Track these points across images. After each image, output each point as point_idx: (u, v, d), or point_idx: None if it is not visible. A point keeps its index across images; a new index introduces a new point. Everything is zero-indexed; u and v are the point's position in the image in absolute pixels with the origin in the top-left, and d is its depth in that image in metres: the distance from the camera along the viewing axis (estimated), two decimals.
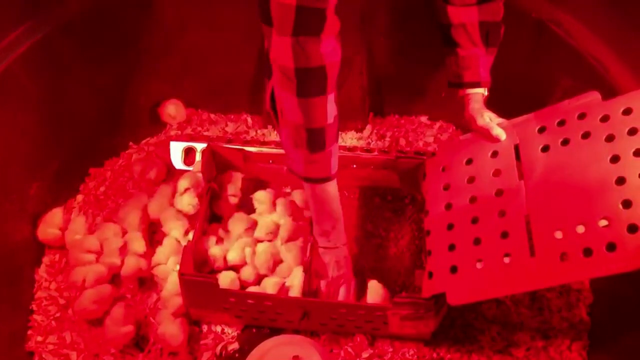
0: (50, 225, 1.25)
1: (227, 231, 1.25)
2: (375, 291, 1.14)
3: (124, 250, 1.22)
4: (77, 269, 1.20)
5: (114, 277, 1.22)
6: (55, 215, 1.26)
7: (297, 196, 1.29)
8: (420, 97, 1.53)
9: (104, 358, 1.14)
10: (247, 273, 1.19)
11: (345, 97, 1.47)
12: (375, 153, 1.31)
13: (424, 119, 1.54)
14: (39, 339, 1.16)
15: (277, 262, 1.21)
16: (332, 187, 1.01)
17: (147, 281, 1.24)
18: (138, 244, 1.23)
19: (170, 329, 1.11)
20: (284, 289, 1.16)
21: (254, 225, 1.25)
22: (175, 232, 1.25)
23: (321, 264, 1.13)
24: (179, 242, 1.24)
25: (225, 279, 1.17)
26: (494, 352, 1.15)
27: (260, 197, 1.27)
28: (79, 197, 1.37)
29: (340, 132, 1.49)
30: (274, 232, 1.24)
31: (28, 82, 1.21)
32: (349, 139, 1.49)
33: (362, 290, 1.17)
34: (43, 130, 1.27)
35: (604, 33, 1.18)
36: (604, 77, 1.17)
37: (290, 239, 1.23)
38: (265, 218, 1.25)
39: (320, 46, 0.84)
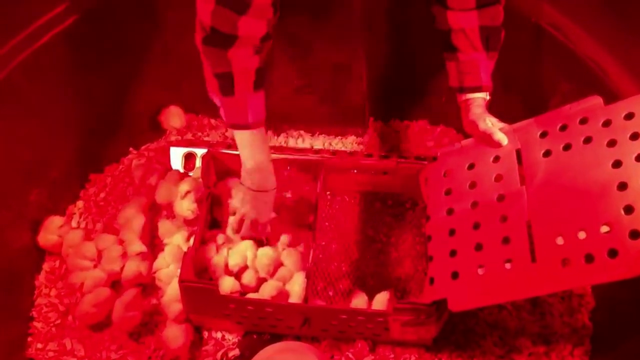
0: (50, 231, 1.25)
1: (227, 237, 1.25)
2: (380, 303, 1.14)
3: (124, 257, 1.22)
4: (75, 273, 1.20)
5: (114, 283, 1.22)
6: (55, 221, 1.26)
7: (296, 202, 1.28)
8: (420, 102, 1.53)
9: None
10: (248, 277, 1.18)
11: (346, 102, 1.47)
12: (376, 158, 1.31)
13: (424, 123, 1.54)
14: (39, 345, 1.16)
15: (278, 266, 1.21)
16: (254, 136, 1.07)
17: (147, 287, 1.23)
18: (137, 245, 1.23)
19: (172, 332, 1.11)
20: (283, 292, 1.16)
21: None
22: (177, 237, 1.25)
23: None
24: (180, 247, 1.24)
25: (226, 284, 1.17)
26: (496, 357, 1.15)
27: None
28: (79, 204, 1.37)
29: (340, 137, 1.51)
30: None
31: (28, 89, 1.21)
32: (350, 144, 1.49)
33: (366, 294, 1.17)
34: (43, 136, 1.27)
35: (603, 37, 1.18)
36: (603, 80, 1.17)
37: (291, 244, 1.22)
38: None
39: (239, 21, 0.93)
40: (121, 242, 1.25)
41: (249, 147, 1.08)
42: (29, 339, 1.18)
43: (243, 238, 1.21)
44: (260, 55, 1.01)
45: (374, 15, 1.39)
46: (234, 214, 1.25)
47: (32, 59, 1.19)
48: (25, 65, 1.18)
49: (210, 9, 0.93)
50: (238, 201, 1.20)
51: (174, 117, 1.50)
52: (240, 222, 1.20)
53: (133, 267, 1.20)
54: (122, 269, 1.21)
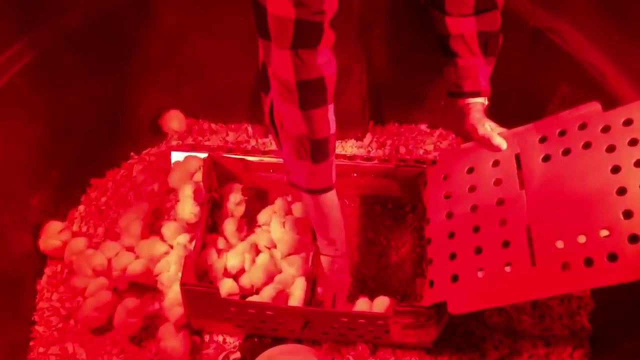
0: (52, 236, 1.25)
1: (227, 241, 1.25)
2: (380, 308, 1.14)
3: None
4: (78, 277, 1.21)
5: (115, 287, 1.23)
6: (56, 226, 1.26)
7: (297, 208, 1.29)
8: (419, 105, 1.53)
9: None
10: (245, 280, 1.19)
11: (345, 105, 1.47)
12: (376, 161, 1.31)
13: (423, 126, 1.55)
14: (41, 350, 1.17)
15: (275, 273, 1.21)
16: (334, 196, 1.02)
17: (148, 291, 1.24)
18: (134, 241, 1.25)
19: (171, 343, 1.11)
20: (283, 294, 1.16)
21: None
22: (179, 240, 1.25)
23: (324, 272, 1.14)
24: (181, 250, 1.24)
25: (225, 286, 1.17)
26: (496, 359, 1.15)
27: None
28: (81, 208, 1.38)
29: (339, 141, 1.51)
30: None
31: (29, 94, 1.21)
32: (349, 147, 1.50)
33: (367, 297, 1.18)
34: (44, 141, 1.27)
35: (602, 41, 1.19)
36: (602, 84, 1.17)
37: (290, 254, 1.23)
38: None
39: (318, 58, 0.85)
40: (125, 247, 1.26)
41: (332, 209, 1.01)
42: (31, 343, 1.18)
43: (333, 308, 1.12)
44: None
45: (373, 18, 1.40)
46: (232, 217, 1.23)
47: (34, 64, 1.20)
48: (27, 70, 1.19)
49: (288, 58, 0.83)
50: (333, 275, 1.11)
51: (174, 121, 1.51)
52: (333, 292, 1.13)
53: (139, 265, 1.21)
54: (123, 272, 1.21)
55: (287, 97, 0.88)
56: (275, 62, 0.86)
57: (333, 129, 0.93)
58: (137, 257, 1.23)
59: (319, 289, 1.15)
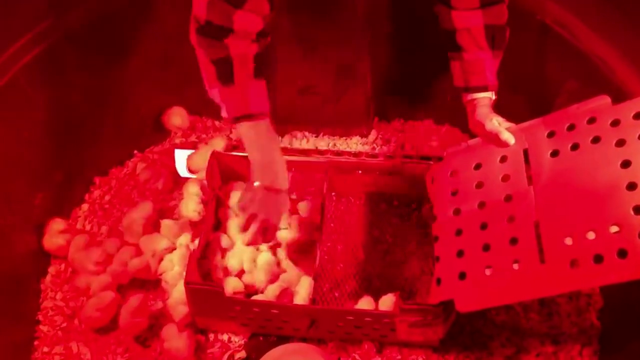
0: (55, 235, 1.25)
1: (231, 239, 1.25)
2: (386, 306, 1.13)
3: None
4: (81, 276, 1.21)
5: (119, 287, 1.22)
6: (60, 225, 1.26)
7: (303, 207, 1.28)
8: (425, 101, 1.52)
9: None
10: (248, 278, 1.19)
11: (350, 102, 1.47)
12: (381, 158, 1.30)
13: (429, 123, 1.54)
14: (46, 349, 1.16)
15: (279, 273, 1.20)
16: (256, 127, 1.02)
17: (152, 289, 1.23)
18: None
19: (175, 343, 1.11)
20: (287, 292, 1.15)
21: None
22: (183, 239, 1.25)
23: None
24: (185, 249, 1.23)
25: (229, 284, 1.16)
26: (504, 358, 1.15)
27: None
28: (84, 207, 1.37)
29: (345, 138, 1.50)
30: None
31: (32, 93, 1.21)
32: (354, 144, 1.49)
33: (373, 295, 1.16)
34: (47, 140, 1.27)
35: (609, 34, 1.17)
36: (609, 78, 1.16)
37: (295, 253, 1.22)
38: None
39: (234, 14, 0.93)
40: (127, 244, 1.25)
41: (255, 140, 1.03)
42: (35, 342, 1.18)
43: (249, 244, 1.09)
44: (258, 44, 0.99)
45: (377, 15, 1.39)
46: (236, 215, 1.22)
47: (36, 63, 1.19)
48: (29, 69, 1.18)
49: (205, 2, 0.92)
50: (246, 200, 1.06)
51: (176, 117, 1.50)
52: (247, 224, 1.07)
53: (140, 262, 1.21)
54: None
55: (194, 26, 0.97)
56: (196, 2, 0.94)
57: (237, 51, 0.97)
58: (138, 253, 1.23)
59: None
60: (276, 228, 1.09)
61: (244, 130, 1.03)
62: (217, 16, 0.93)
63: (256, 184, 1.05)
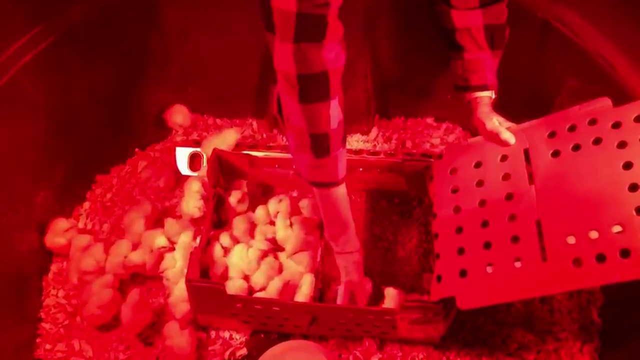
0: (57, 234, 1.25)
1: (232, 236, 1.25)
2: (391, 298, 1.13)
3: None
4: (82, 276, 1.21)
5: (121, 284, 1.23)
6: (62, 223, 1.26)
7: (306, 204, 1.28)
8: (425, 99, 1.52)
9: None
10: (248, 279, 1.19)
11: (350, 100, 1.46)
12: (382, 156, 1.31)
13: (430, 120, 1.53)
14: (48, 347, 1.17)
15: (278, 273, 1.20)
16: (339, 193, 1.02)
17: (154, 286, 1.24)
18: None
19: (177, 341, 1.11)
20: (289, 287, 1.15)
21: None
22: (184, 237, 1.25)
23: (336, 267, 1.14)
24: (187, 247, 1.24)
25: (234, 285, 1.17)
26: (505, 355, 1.15)
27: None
28: (86, 205, 1.37)
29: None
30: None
31: (33, 91, 1.20)
32: (355, 142, 1.49)
33: (375, 294, 1.17)
34: (48, 138, 1.27)
35: (611, 32, 1.17)
36: (611, 77, 1.16)
37: (297, 252, 1.22)
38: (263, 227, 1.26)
39: (322, 52, 0.84)
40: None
41: (336, 204, 1.01)
42: (38, 340, 1.18)
43: (345, 304, 1.09)
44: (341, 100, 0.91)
45: (378, 12, 1.38)
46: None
47: (37, 61, 1.19)
48: (30, 67, 1.18)
49: (290, 52, 0.83)
50: (341, 271, 1.10)
51: (178, 115, 1.50)
52: (348, 291, 1.10)
53: (137, 256, 1.21)
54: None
55: (289, 91, 0.87)
56: (278, 55, 0.85)
57: (335, 124, 0.91)
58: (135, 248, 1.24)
59: (338, 288, 1.13)
60: (364, 286, 1.12)
61: (325, 194, 1.01)
62: (308, 64, 0.83)
63: (342, 249, 1.08)
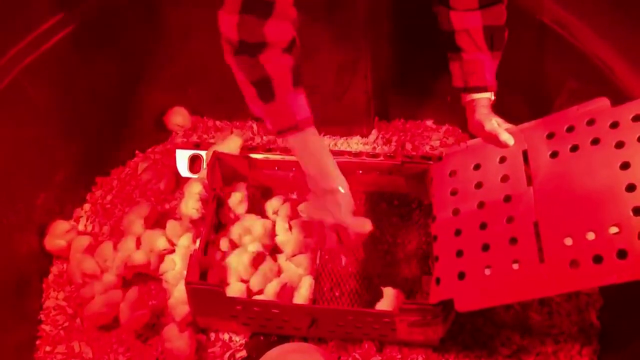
0: (57, 236, 1.26)
1: (231, 241, 1.25)
2: (390, 298, 1.13)
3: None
4: (85, 284, 1.21)
5: (123, 283, 1.23)
6: (62, 226, 1.26)
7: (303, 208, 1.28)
8: (425, 101, 1.52)
9: None
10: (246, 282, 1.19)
11: (350, 101, 1.47)
12: (381, 158, 1.31)
13: (429, 122, 1.54)
14: (48, 348, 1.17)
15: (276, 276, 1.20)
16: (307, 137, 1.02)
17: (155, 288, 1.24)
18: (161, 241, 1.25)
19: (176, 344, 1.11)
20: (287, 289, 1.16)
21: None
22: (184, 239, 1.25)
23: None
24: (186, 249, 1.24)
25: (233, 287, 1.17)
26: (504, 357, 1.15)
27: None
28: (86, 207, 1.38)
29: (345, 137, 1.50)
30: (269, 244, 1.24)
31: (33, 93, 1.21)
32: (354, 144, 1.49)
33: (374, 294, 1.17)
34: (49, 140, 1.27)
35: (610, 34, 1.17)
36: (609, 78, 1.16)
37: (296, 254, 1.22)
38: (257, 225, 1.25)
39: (265, 27, 0.92)
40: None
41: (304, 149, 1.02)
42: (38, 342, 1.18)
43: (331, 247, 1.07)
44: (292, 54, 0.98)
45: (378, 14, 1.39)
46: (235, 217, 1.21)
47: (38, 63, 1.19)
48: (31, 69, 1.19)
49: (235, 22, 0.91)
50: (311, 210, 1.09)
51: (178, 117, 1.50)
52: (318, 230, 1.09)
53: (141, 255, 1.21)
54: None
55: (228, 48, 0.96)
56: (223, 23, 0.94)
57: (274, 69, 0.96)
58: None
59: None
60: (348, 228, 1.05)
61: (292, 142, 1.02)
62: (249, 33, 0.92)
63: (314, 189, 1.05)
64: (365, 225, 1.05)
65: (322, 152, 1.04)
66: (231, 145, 1.34)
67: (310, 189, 1.06)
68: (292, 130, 1.00)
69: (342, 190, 1.03)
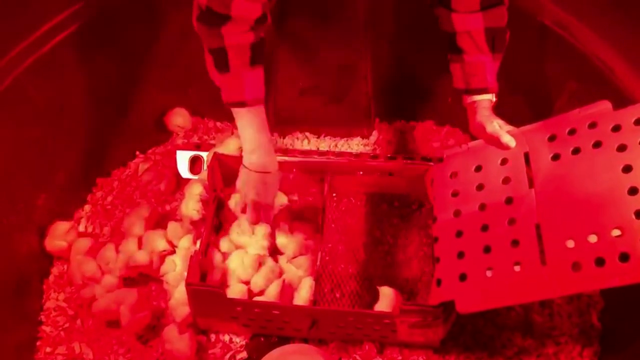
0: (57, 237, 1.26)
1: (231, 240, 1.25)
2: (387, 297, 1.13)
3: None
4: (86, 286, 1.21)
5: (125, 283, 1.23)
6: (62, 227, 1.26)
7: (305, 208, 1.28)
8: (426, 102, 1.52)
9: None
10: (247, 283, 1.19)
11: (351, 103, 1.47)
12: (382, 159, 1.31)
13: (430, 124, 1.54)
14: (48, 349, 1.17)
15: (276, 277, 1.20)
16: (252, 115, 1.07)
17: (156, 289, 1.24)
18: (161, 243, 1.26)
19: (177, 345, 1.11)
20: (287, 289, 1.16)
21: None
22: (185, 240, 1.25)
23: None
24: (187, 250, 1.24)
25: (233, 288, 1.17)
26: (505, 358, 1.15)
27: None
28: (87, 208, 1.38)
29: (346, 139, 1.50)
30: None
31: (34, 94, 1.21)
32: (355, 145, 1.49)
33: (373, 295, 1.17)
34: (49, 141, 1.27)
35: (610, 35, 1.17)
36: (610, 79, 1.16)
37: (296, 256, 1.22)
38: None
39: (232, 2, 0.94)
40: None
41: (247, 126, 1.08)
42: (38, 343, 1.18)
43: (251, 223, 1.19)
44: (256, 32, 1.01)
45: (378, 16, 1.39)
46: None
47: (39, 64, 1.20)
48: (32, 70, 1.19)
49: None
50: (240, 182, 1.17)
51: (178, 117, 1.51)
52: (243, 203, 1.18)
53: (144, 255, 1.21)
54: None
55: (195, 10, 1.00)
56: None
57: (232, 42, 1.00)
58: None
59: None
60: (269, 207, 1.19)
61: (237, 116, 1.08)
62: (217, 3, 0.95)
63: (246, 167, 1.13)
64: (281, 200, 1.20)
65: (261, 132, 1.09)
66: (230, 146, 1.34)
67: (243, 164, 1.13)
68: (239, 105, 1.05)
69: (272, 171, 1.13)
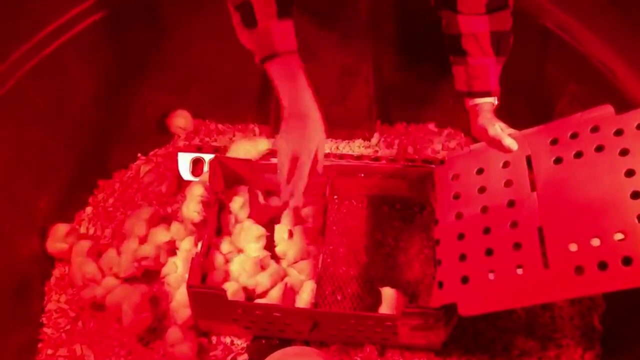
0: (58, 239, 1.25)
1: (232, 243, 1.25)
2: (389, 298, 1.13)
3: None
4: (86, 287, 1.21)
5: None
6: (63, 229, 1.26)
7: (306, 211, 1.28)
8: (427, 104, 1.52)
9: None
10: (251, 283, 1.19)
11: (352, 105, 1.47)
12: (383, 161, 1.31)
13: (431, 126, 1.54)
14: (49, 352, 1.17)
15: (279, 280, 1.20)
16: (282, 67, 1.00)
17: (157, 290, 1.24)
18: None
19: (179, 348, 1.11)
20: (289, 292, 1.16)
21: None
22: (186, 242, 1.25)
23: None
24: (188, 252, 1.24)
25: (234, 291, 1.17)
26: None
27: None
28: (88, 210, 1.38)
29: (347, 141, 1.50)
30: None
31: (36, 96, 1.21)
32: (357, 147, 1.49)
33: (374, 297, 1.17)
34: (51, 143, 1.27)
35: (612, 38, 1.17)
36: (611, 82, 1.16)
37: (297, 260, 1.22)
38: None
39: None
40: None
41: (283, 77, 1.00)
42: (39, 345, 1.18)
43: (280, 179, 1.03)
44: None
45: (380, 17, 1.39)
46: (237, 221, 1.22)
47: (40, 66, 1.19)
48: (34, 72, 1.18)
49: None
50: (279, 138, 1.03)
51: (180, 119, 1.50)
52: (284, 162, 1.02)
53: (150, 248, 1.21)
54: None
55: None
56: None
57: None
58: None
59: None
60: (307, 159, 1.01)
61: (271, 70, 1.01)
62: None
63: (286, 117, 1.02)
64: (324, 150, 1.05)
65: (297, 81, 1.02)
66: (259, 145, 1.32)
67: (283, 117, 1.03)
68: (272, 58, 1.00)
69: (312, 116, 1.02)
